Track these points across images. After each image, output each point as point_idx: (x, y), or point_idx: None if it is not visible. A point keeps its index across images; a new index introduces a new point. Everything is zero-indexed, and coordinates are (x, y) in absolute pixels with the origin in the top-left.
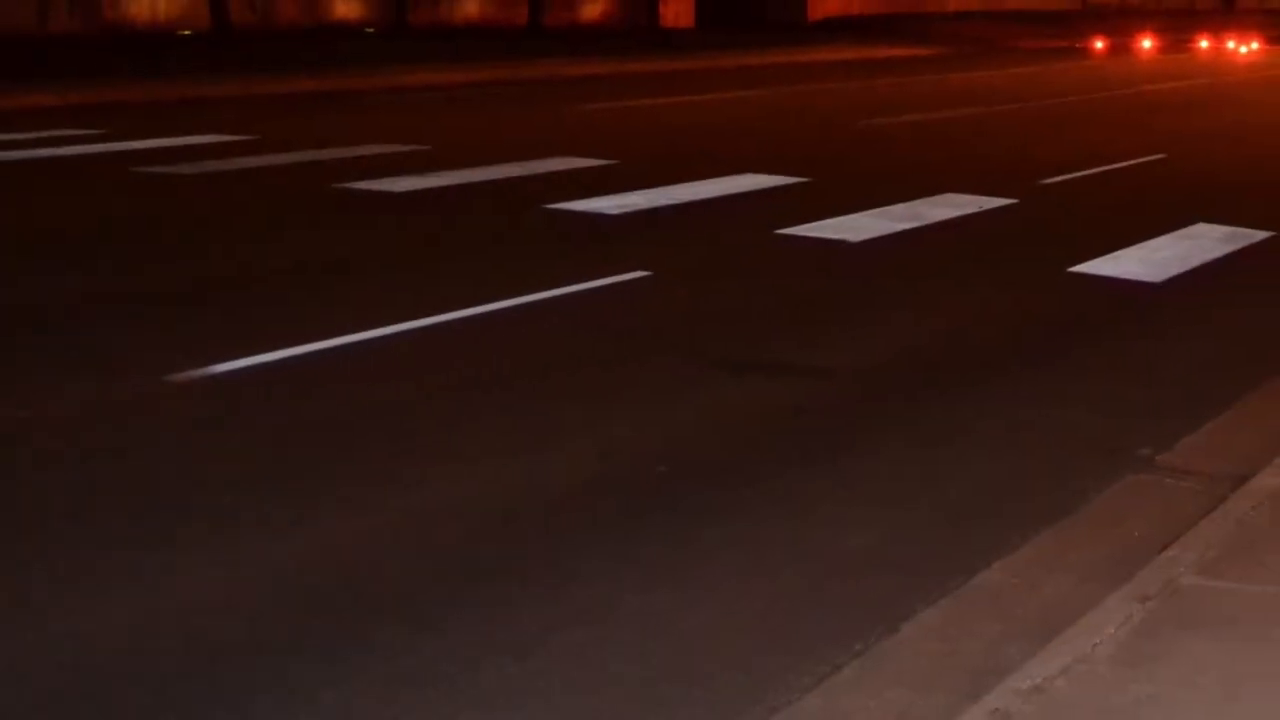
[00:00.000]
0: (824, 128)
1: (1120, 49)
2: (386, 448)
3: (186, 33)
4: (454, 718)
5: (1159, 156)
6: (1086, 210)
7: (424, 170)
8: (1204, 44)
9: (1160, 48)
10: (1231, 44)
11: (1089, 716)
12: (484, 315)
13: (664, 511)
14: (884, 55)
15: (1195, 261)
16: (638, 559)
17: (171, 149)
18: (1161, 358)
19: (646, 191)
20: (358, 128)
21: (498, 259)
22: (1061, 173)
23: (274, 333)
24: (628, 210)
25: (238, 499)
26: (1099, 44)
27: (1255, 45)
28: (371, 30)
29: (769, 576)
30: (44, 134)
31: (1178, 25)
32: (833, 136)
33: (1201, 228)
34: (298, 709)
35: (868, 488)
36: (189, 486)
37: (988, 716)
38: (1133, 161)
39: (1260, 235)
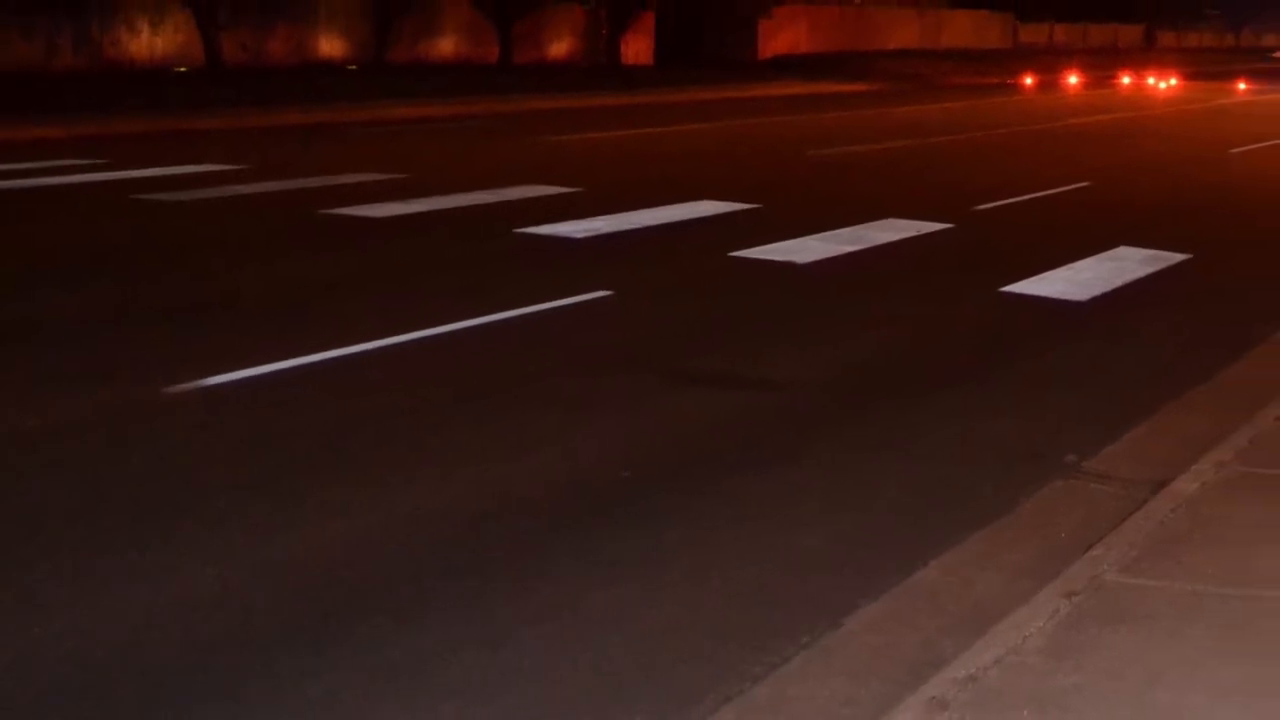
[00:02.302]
0: (774, 158)
1: (1048, 85)
2: (368, 455)
3: (182, 69)
4: (432, 706)
5: (1084, 185)
6: (1017, 234)
7: (403, 197)
8: (1126, 80)
9: (1085, 83)
10: (1152, 80)
11: (1019, 704)
12: (458, 332)
13: (626, 514)
14: (829, 90)
15: (1118, 282)
16: (602, 558)
17: (169, 177)
18: (1086, 371)
19: (609, 217)
20: (342, 157)
21: (471, 280)
22: (994, 199)
23: (264, 347)
24: (592, 234)
25: (230, 502)
26: (1028, 80)
27: (1174, 81)
28: (354, 67)
29: (723, 574)
30: (50, 163)
31: (1102, 63)
32: (782, 166)
33: (1123, 250)
34: (286, 698)
35: (815, 492)
36: (185, 490)
37: (925, 704)
38: (1060, 189)
39: (1178, 257)
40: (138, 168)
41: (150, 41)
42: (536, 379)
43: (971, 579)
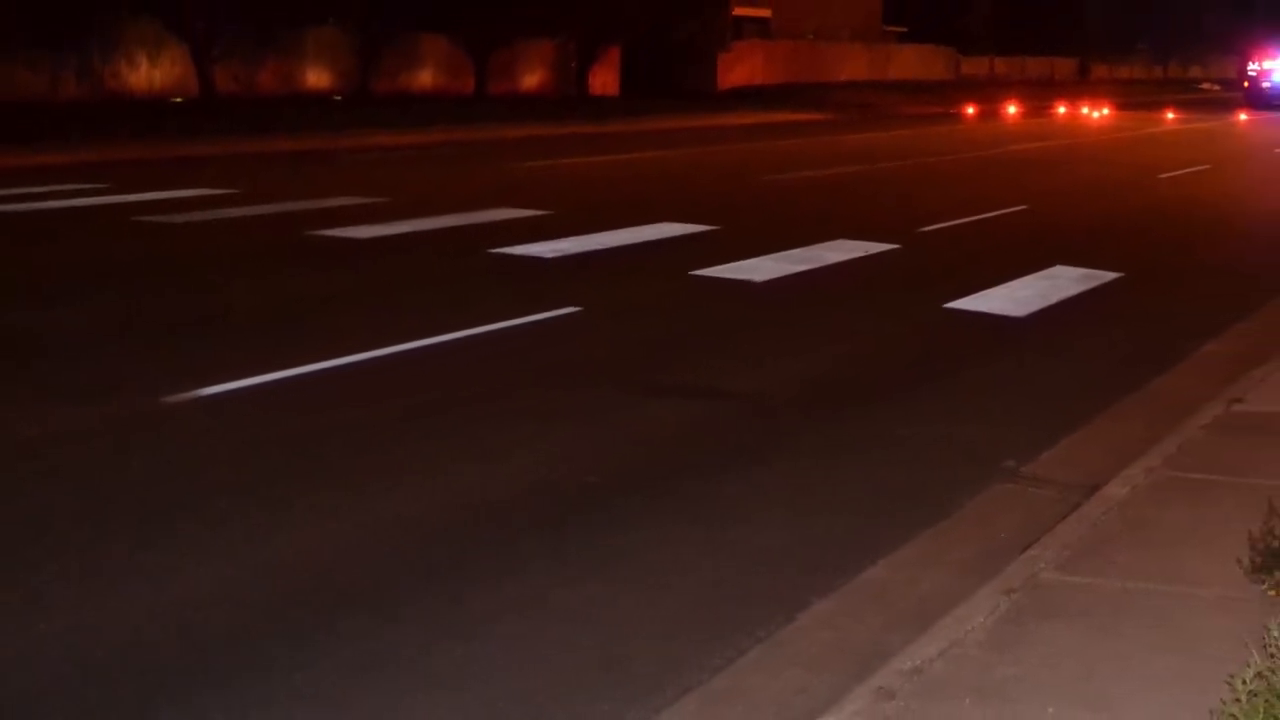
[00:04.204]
0: (732, 182)
1: (989, 114)
2: (351, 460)
3: (179, 100)
4: (408, 696)
5: (1023, 208)
6: (960, 254)
7: (385, 219)
8: (1062, 110)
9: (1024, 113)
10: (1086, 110)
11: (962, 694)
12: (435, 346)
13: (594, 516)
14: (784, 119)
15: (1054, 298)
16: (570, 558)
17: (166, 201)
18: (1024, 382)
19: (577, 238)
20: (328, 182)
21: (447, 297)
22: (938, 221)
23: (255, 360)
24: (561, 254)
25: (227, 506)
26: (970, 110)
27: (1106, 111)
28: (339, 98)
29: (685, 573)
30: (55, 188)
31: (1039, 93)
32: (740, 190)
33: (1059, 269)
34: (275, 688)
35: (771, 495)
36: (182, 494)
37: (873, 694)
38: (1000, 212)
39: (1110, 276)
40: (137, 192)
41: (149, 74)
42: (509, 390)
43: (917, 577)
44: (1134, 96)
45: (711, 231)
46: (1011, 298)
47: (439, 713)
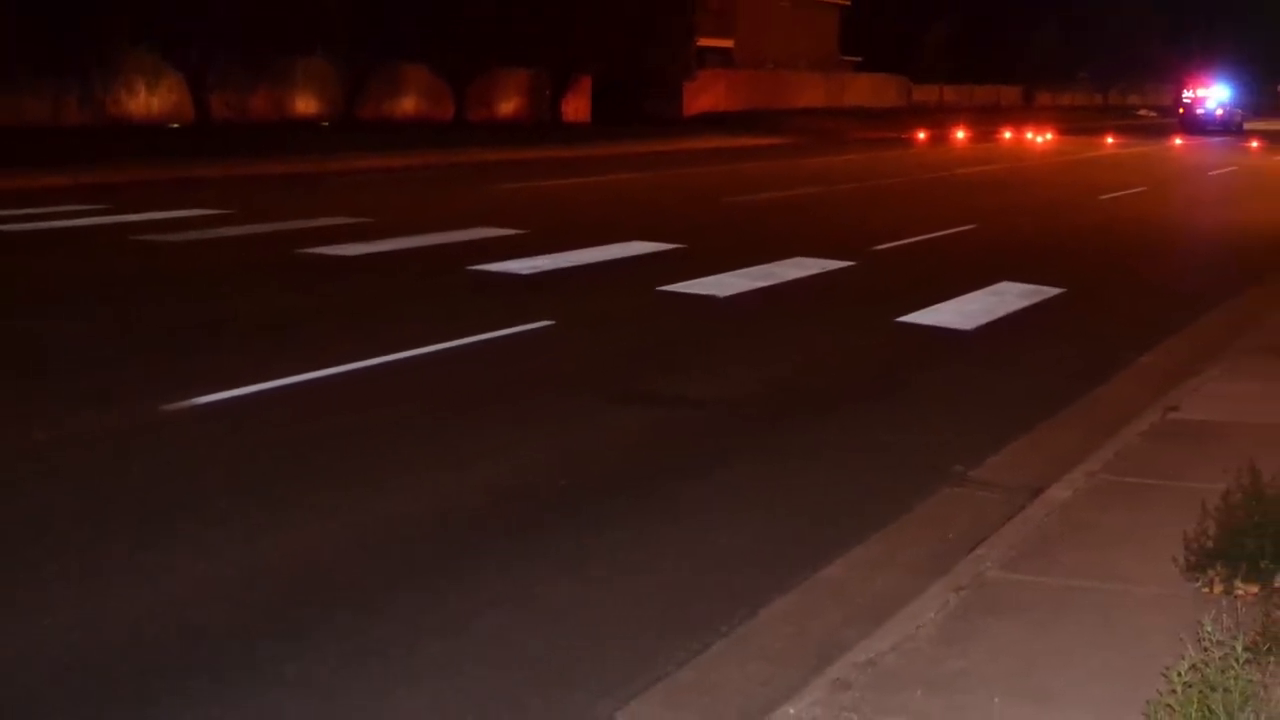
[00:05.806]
0: (697, 203)
1: (939, 139)
2: (341, 465)
3: (176, 125)
4: (391, 690)
5: (971, 227)
6: (911, 271)
7: (370, 238)
8: (1008, 135)
9: (972, 138)
10: (1030, 135)
11: (913, 685)
12: (419, 357)
13: (567, 518)
14: (746, 144)
15: (1000, 313)
16: (545, 557)
17: (163, 221)
18: (972, 391)
19: (551, 255)
20: (316, 203)
21: (429, 311)
22: (891, 240)
23: (249, 370)
24: (536, 271)
25: (221, 508)
26: (921, 135)
27: (1049, 136)
28: (327, 124)
29: (653, 571)
30: (58, 208)
31: (986, 119)
32: (704, 210)
33: (1005, 285)
34: (266, 680)
35: (737, 497)
36: (179, 497)
37: (830, 685)
38: (949, 231)
39: (1053, 291)
40: (137, 212)
41: (147, 101)
42: (488, 399)
43: (872, 575)
44: (1076, 122)
45: (678, 249)
46: (960, 312)
47: (422, 704)
